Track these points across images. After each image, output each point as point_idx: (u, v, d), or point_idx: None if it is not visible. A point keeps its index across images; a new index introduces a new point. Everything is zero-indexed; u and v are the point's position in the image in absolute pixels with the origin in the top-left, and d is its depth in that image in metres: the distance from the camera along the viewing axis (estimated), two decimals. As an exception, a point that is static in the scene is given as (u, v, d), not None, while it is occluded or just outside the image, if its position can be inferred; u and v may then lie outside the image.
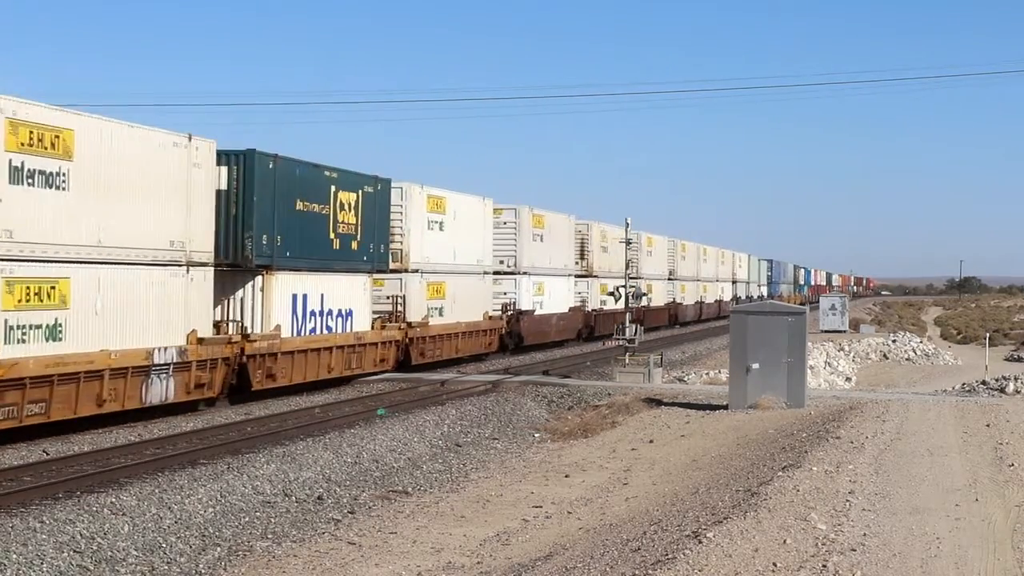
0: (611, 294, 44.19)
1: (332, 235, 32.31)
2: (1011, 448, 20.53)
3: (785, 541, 12.94)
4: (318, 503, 19.38)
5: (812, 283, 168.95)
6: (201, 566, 15.43)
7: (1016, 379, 32.90)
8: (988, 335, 60.11)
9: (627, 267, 44.29)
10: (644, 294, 51.40)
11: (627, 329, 38.22)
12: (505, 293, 46.46)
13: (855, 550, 12.59)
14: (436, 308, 39.18)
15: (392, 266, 36.71)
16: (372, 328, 34.71)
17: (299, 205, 30.44)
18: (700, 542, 12.78)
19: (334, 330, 32.35)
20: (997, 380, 33.65)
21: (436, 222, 39.57)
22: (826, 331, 68.65)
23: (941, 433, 22.73)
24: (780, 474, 17.45)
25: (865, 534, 13.42)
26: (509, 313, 46.27)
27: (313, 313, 31.22)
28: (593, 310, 57.77)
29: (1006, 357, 59.95)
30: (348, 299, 33.16)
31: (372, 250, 34.69)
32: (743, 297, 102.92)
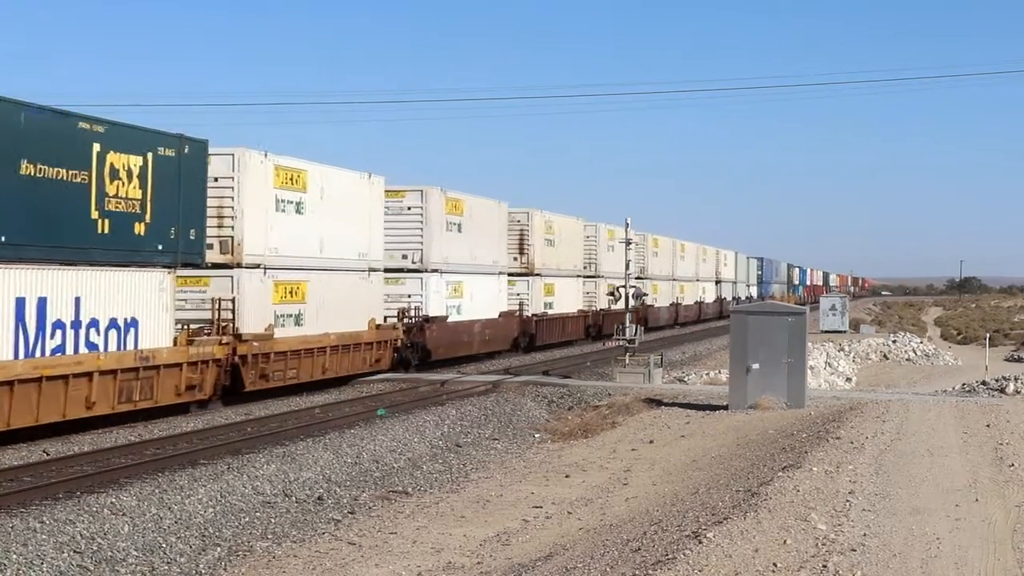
0: (611, 295, 43.84)
1: (95, 214, 23.54)
2: (1011, 448, 20.53)
3: (785, 541, 12.94)
4: (318, 503, 19.38)
5: (808, 283, 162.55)
6: (201, 566, 15.42)
7: (1016, 379, 32.89)
8: (988, 335, 60.10)
9: (626, 267, 43.60)
10: (645, 294, 51.24)
11: (627, 329, 38.21)
12: (408, 296, 38.33)
13: (855, 550, 12.59)
14: (290, 315, 30.81)
15: (218, 259, 28.54)
16: (175, 344, 26.00)
17: (26, 169, 21.64)
18: (700, 542, 12.78)
19: (101, 348, 23.52)
20: (997, 380, 33.65)
21: (291, 202, 30.93)
22: (826, 331, 68.66)
23: (941, 433, 22.72)
24: (780, 474, 17.44)
25: (865, 534, 13.42)
26: (410, 320, 37.76)
27: (59, 325, 22.42)
28: (535, 315, 49.87)
29: (1006, 357, 59.95)
30: (129, 305, 24.40)
31: (174, 237, 26.04)
32: (728, 298, 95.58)
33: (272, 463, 20.98)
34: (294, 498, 19.55)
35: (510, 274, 47.45)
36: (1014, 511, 15.11)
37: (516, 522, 17.93)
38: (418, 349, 38.03)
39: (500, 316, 45.19)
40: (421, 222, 38.71)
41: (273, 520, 18.01)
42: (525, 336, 48.55)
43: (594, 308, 58.54)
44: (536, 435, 27.74)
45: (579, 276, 56.98)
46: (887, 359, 56.12)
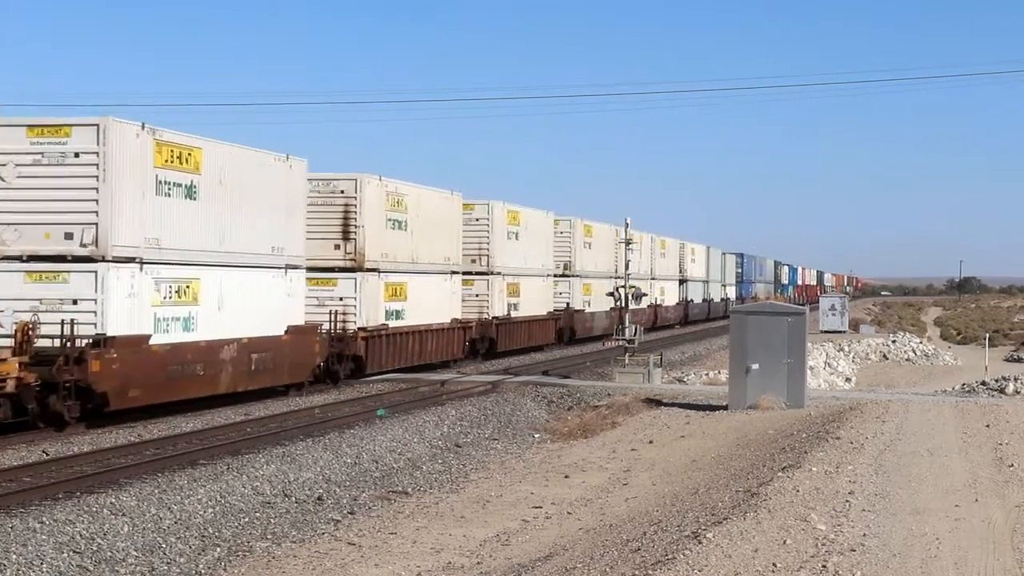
0: (610, 294, 43.76)
1: None
2: (1011, 448, 20.54)
3: (785, 541, 12.94)
4: (318, 504, 19.38)
5: (799, 282, 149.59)
6: (201, 566, 15.42)
7: (1016, 379, 32.92)
8: (988, 335, 60.12)
9: (626, 267, 43.25)
10: (644, 295, 50.97)
11: (627, 330, 38.22)
12: (340, 298, 33.24)
13: (855, 550, 12.59)
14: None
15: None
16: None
17: None
18: (700, 542, 12.78)
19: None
20: (997, 380, 33.68)
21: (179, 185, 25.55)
22: (826, 331, 68.68)
23: (941, 433, 22.73)
24: (780, 475, 17.45)
25: (865, 534, 13.42)
26: (338, 328, 32.77)
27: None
28: (496, 318, 44.38)
29: (1006, 358, 59.97)
30: None
31: None
32: (698, 300, 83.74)
33: (272, 463, 20.98)
34: (294, 498, 19.55)
35: (466, 273, 42.72)
36: (1014, 511, 15.11)
37: (516, 522, 17.93)
38: (347, 360, 33.39)
39: (453, 321, 40.26)
40: (356, 213, 33.74)
41: (273, 520, 18.01)
42: (484, 341, 44.04)
43: (568, 309, 54.46)
44: (536, 435, 27.74)
45: (549, 275, 51.97)
46: (887, 359, 56.13)
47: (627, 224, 41.95)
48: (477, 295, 43.81)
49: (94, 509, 16.78)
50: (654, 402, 30.72)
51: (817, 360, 45.74)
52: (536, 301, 49.50)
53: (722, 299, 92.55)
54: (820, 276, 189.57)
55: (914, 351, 57.95)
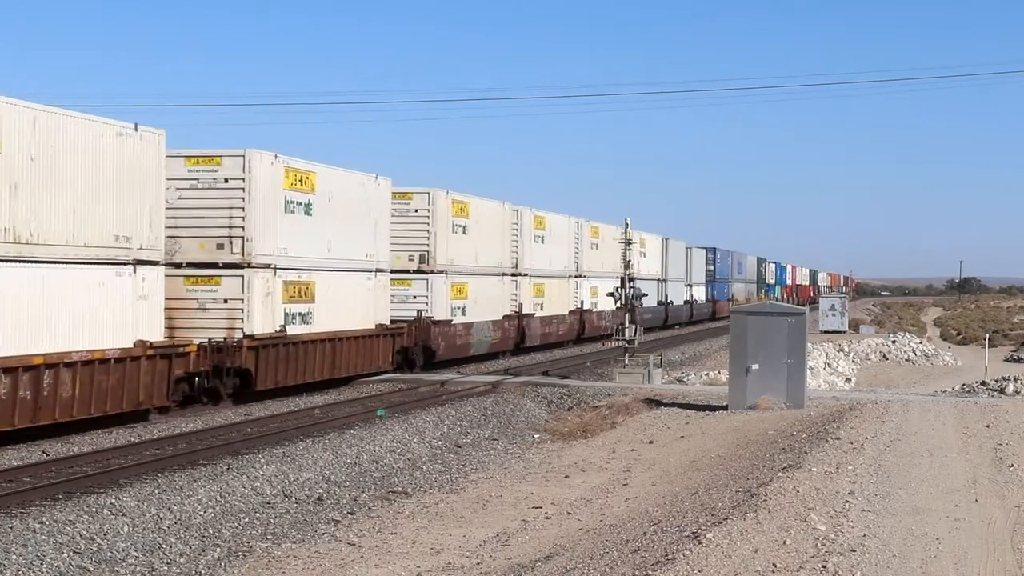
0: (610, 295, 43.62)
1: None
2: (1011, 449, 20.55)
3: (785, 542, 12.95)
4: (318, 504, 19.39)
5: (788, 282, 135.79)
6: (201, 567, 15.43)
7: (1016, 380, 32.91)
8: (988, 336, 60.09)
9: (627, 267, 42.55)
10: (646, 295, 50.62)
11: (627, 330, 38.24)
12: (225, 300, 28.46)
13: (855, 551, 12.61)
14: None
15: None
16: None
17: None
18: (700, 543, 12.79)
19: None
20: (997, 381, 33.67)
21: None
22: (825, 332, 68.71)
23: (941, 434, 22.74)
24: (780, 475, 17.46)
25: (865, 535, 13.43)
26: (227, 340, 27.86)
27: None
28: (436, 322, 38.30)
29: (1006, 358, 59.92)
30: None
31: None
32: (650, 304, 64.33)
33: (272, 464, 20.99)
34: (294, 499, 19.56)
35: (402, 272, 37.88)
36: (1013, 511, 15.12)
37: (516, 522, 17.94)
38: (231, 375, 28.02)
39: (378, 326, 34.78)
40: (239, 200, 28.85)
41: (273, 521, 18.02)
42: (418, 348, 37.90)
43: (520, 312, 47.25)
44: (535, 435, 27.74)
45: (501, 274, 45.22)
46: (886, 359, 56.09)
47: (627, 224, 41.90)
48: (415, 297, 38.33)
49: (94, 509, 16.79)
50: (654, 402, 30.73)
51: (817, 360, 45.71)
52: (487, 304, 43.31)
53: (686, 301, 78.83)
54: (814, 275, 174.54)
55: (914, 351, 57.91)
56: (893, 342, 60.15)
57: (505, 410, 30.64)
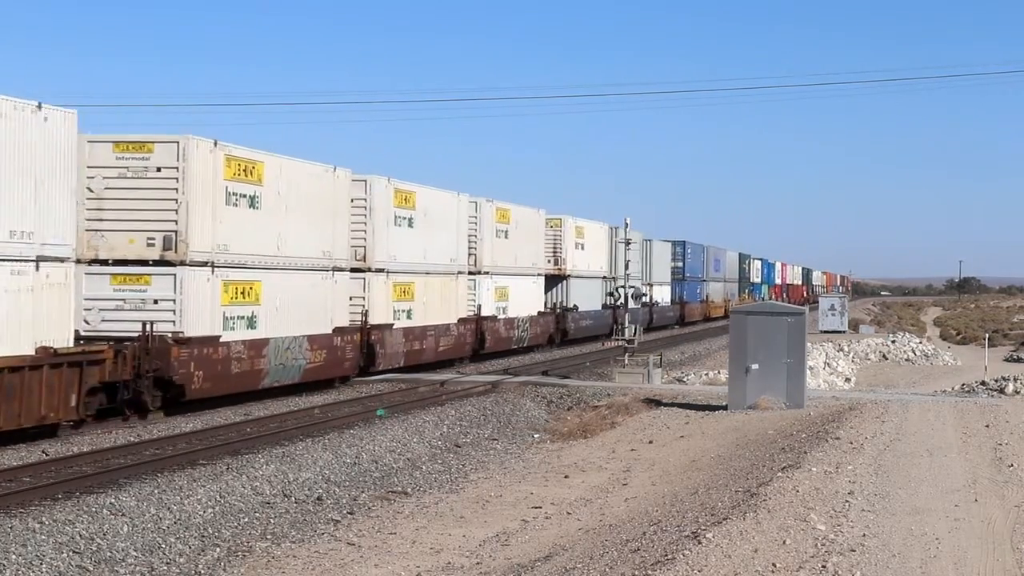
0: (610, 294, 43.74)
1: None
2: (1010, 448, 20.56)
3: (784, 542, 12.95)
4: (317, 504, 19.38)
5: (777, 281, 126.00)
6: (200, 567, 15.43)
7: (1015, 380, 32.93)
8: (987, 335, 60.11)
9: (626, 267, 43.10)
10: (644, 294, 50.82)
11: (627, 330, 38.27)
12: (155, 301, 25.75)
13: (854, 550, 12.60)
14: None
15: None
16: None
17: None
18: (699, 543, 12.79)
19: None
20: (996, 381, 33.68)
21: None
22: (825, 331, 68.73)
23: (940, 434, 22.74)
24: (779, 475, 17.46)
25: (864, 534, 13.43)
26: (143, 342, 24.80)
27: None
28: (375, 325, 34.38)
29: (1005, 358, 59.94)
30: None
31: None
32: (588, 307, 56.17)
33: (271, 463, 20.99)
34: (293, 498, 19.55)
35: (340, 270, 32.54)
36: (1013, 511, 15.12)
37: (515, 522, 17.94)
38: (159, 384, 25.27)
39: (333, 332, 31.77)
40: (172, 191, 26.07)
41: (272, 520, 18.02)
42: (364, 355, 34.14)
43: (480, 315, 42.84)
44: (535, 435, 27.74)
45: (458, 273, 40.73)
46: (886, 359, 56.10)
47: (627, 224, 41.93)
48: (352, 298, 33.77)
49: (94, 509, 16.78)
50: (654, 402, 30.73)
51: (817, 360, 45.72)
52: (440, 306, 39.11)
53: (645, 304, 62.56)
54: (807, 274, 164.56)
55: (913, 351, 57.93)
56: (893, 342, 60.17)
57: (505, 410, 30.64)
